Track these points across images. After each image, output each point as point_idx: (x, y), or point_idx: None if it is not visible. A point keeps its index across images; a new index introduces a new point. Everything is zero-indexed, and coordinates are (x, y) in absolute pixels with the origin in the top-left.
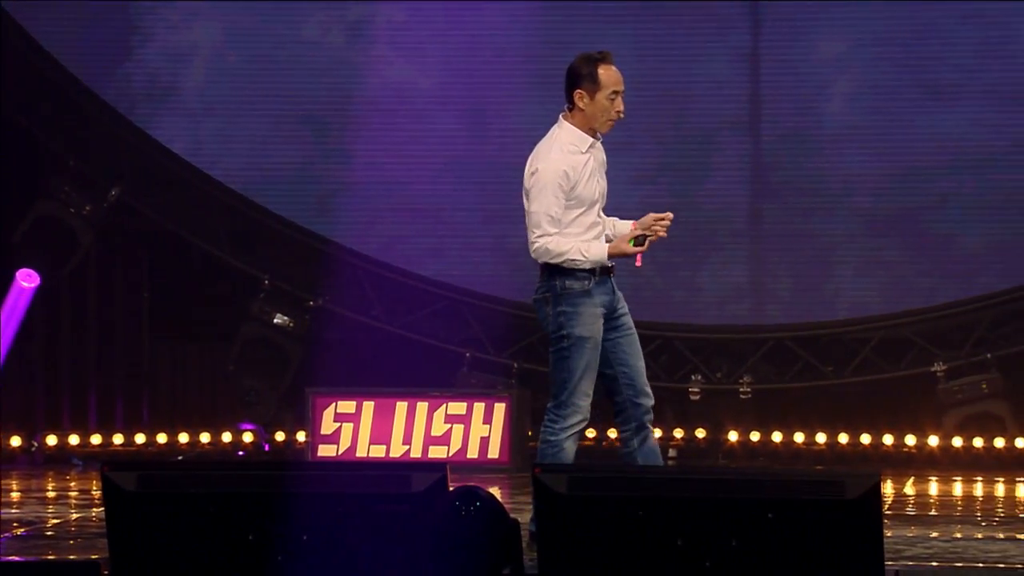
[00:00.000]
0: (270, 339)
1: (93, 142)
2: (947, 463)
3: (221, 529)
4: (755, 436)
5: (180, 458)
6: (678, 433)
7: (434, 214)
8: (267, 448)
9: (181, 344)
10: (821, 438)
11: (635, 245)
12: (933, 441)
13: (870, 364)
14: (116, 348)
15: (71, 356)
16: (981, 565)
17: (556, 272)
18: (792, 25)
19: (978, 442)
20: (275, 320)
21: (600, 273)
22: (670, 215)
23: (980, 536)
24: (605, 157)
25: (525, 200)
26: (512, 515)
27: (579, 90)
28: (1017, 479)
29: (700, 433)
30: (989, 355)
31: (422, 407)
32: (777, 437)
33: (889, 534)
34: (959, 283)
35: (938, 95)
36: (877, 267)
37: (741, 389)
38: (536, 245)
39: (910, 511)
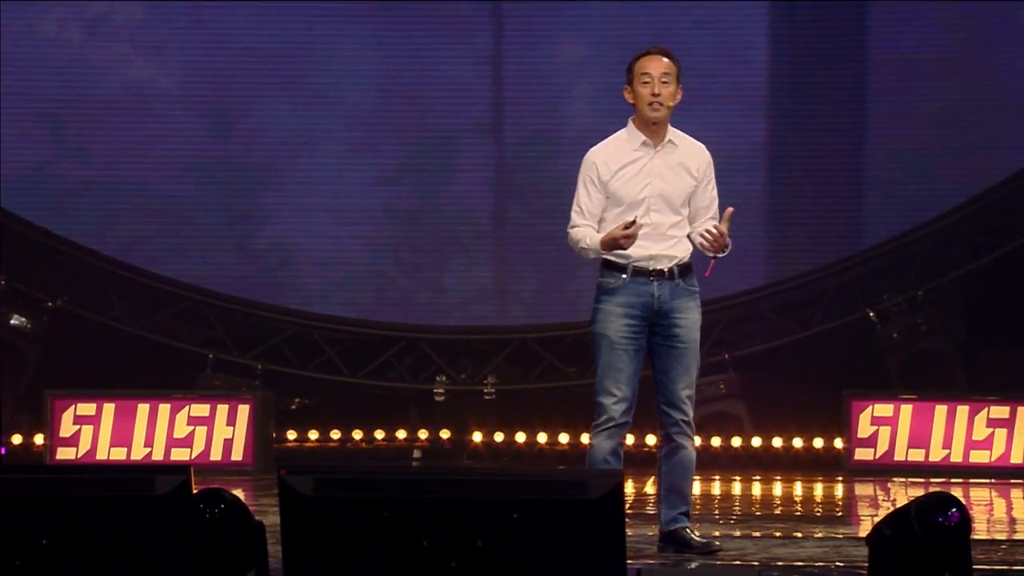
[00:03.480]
0: (6, 340)
1: None
2: None
3: None
4: (499, 436)
5: None
6: (423, 434)
7: (176, 214)
8: (3, 452)
9: None
10: (564, 438)
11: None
12: None
13: None
14: None
15: None
16: (718, 563)
17: (599, 268)
18: (533, 28)
19: (716, 441)
20: (12, 321)
21: (633, 274)
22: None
23: (718, 534)
24: (687, 159)
25: None
26: (257, 517)
27: (625, 86)
28: (753, 477)
29: (445, 434)
30: (727, 356)
31: (164, 409)
32: (521, 437)
33: (631, 533)
34: None
35: None
36: None
37: (485, 390)
38: (568, 236)
39: (650, 510)
